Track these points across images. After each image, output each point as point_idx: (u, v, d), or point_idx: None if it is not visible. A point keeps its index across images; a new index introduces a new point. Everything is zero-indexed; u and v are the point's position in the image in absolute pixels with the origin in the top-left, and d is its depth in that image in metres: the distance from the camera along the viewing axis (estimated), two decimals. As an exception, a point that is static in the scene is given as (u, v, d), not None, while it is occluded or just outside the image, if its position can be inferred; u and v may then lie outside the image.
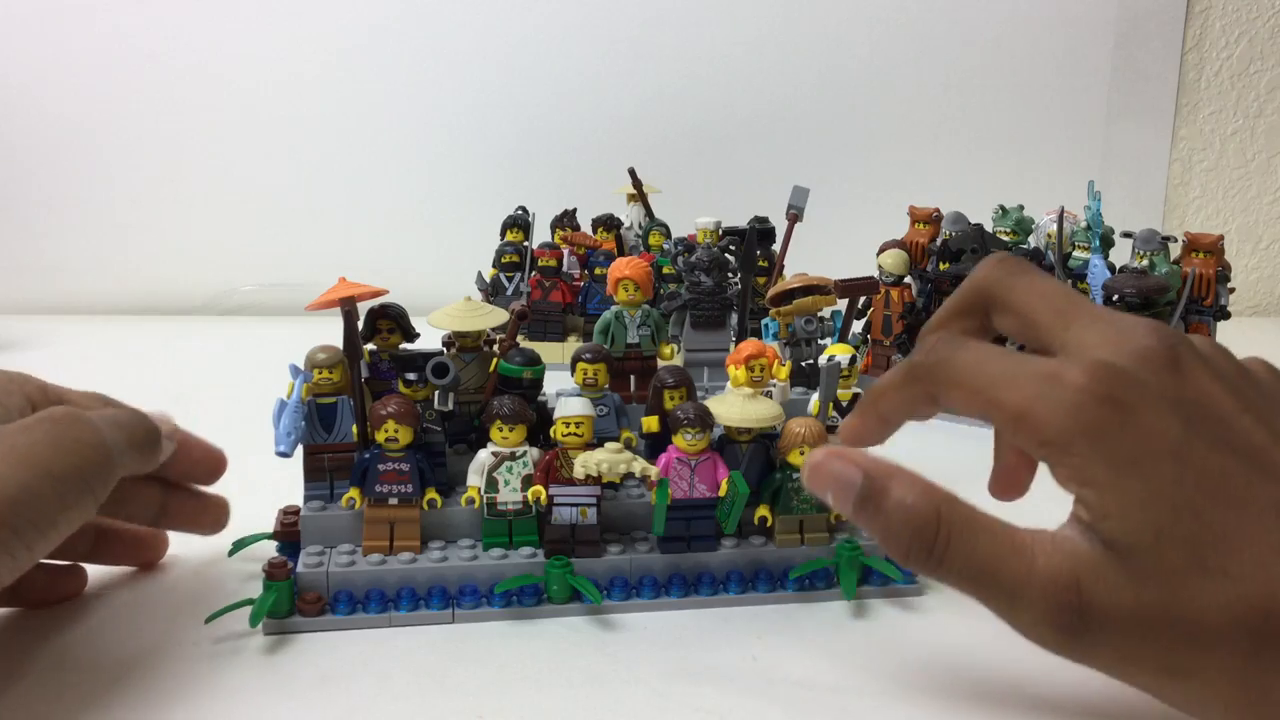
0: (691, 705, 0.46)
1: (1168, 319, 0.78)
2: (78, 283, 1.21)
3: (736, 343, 0.69)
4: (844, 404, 0.61)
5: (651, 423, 0.57)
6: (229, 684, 0.48)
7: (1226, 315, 0.83)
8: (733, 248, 0.84)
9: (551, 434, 0.55)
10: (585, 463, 0.53)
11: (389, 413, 0.53)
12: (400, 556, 0.54)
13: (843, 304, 0.70)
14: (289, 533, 0.56)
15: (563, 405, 0.55)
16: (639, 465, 0.54)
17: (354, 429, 0.55)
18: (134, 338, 1.12)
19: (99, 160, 1.20)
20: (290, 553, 0.56)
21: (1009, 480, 0.49)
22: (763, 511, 0.56)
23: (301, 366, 0.57)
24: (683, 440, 0.54)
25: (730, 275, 0.79)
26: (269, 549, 0.57)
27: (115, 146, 1.19)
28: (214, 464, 0.57)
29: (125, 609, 0.54)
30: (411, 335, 0.60)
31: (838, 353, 0.61)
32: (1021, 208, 0.89)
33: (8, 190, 1.19)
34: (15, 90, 1.17)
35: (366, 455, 0.54)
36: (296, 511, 0.56)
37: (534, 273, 0.98)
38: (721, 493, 0.55)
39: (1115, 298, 0.78)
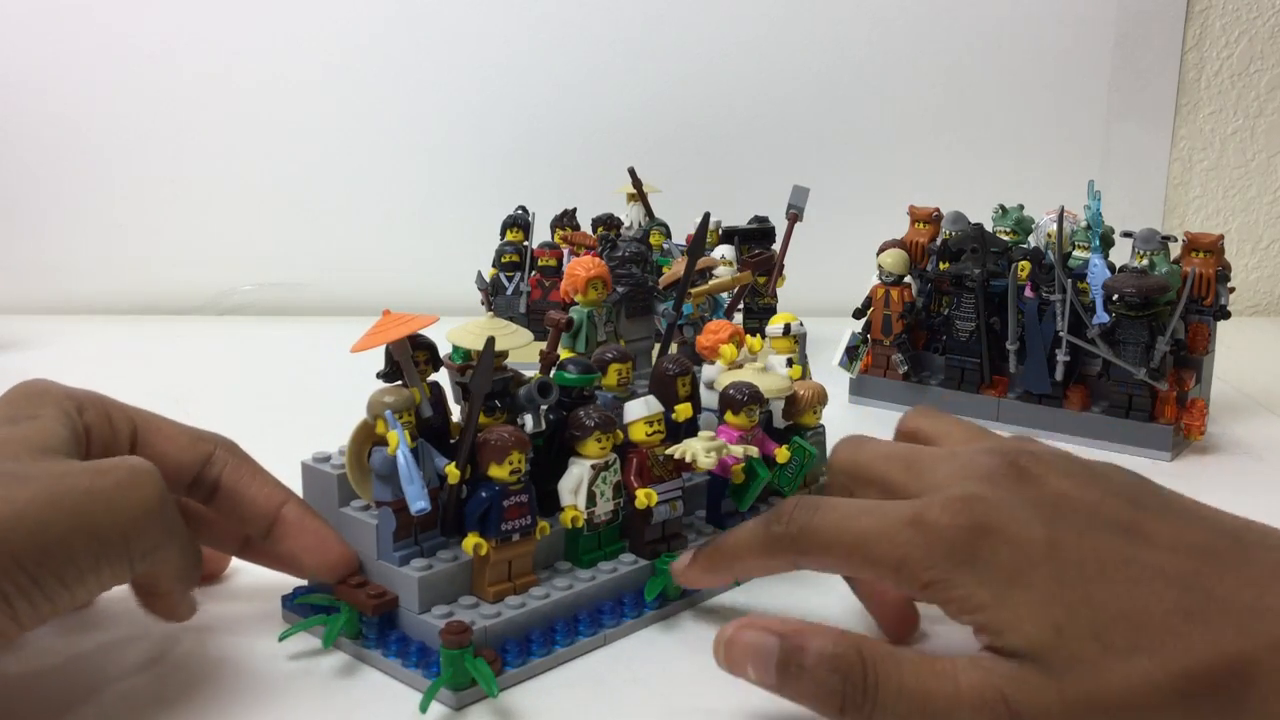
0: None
1: (1168, 319, 0.78)
2: (78, 283, 1.21)
3: (659, 332, 0.74)
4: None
5: (685, 409, 0.57)
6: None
7: (1226, 315, 0.83)
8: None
9: (629, 437, 0.55)
10: (687, 451, 0.54)
11: (514, 443, 0.49)
12: (534, 592, 0.51)
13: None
14: (384, 604, 0.49)
15: (634, 408, 0.55)
16: (739, 448, 0.56)
17: (448, 470, 0.49)
18: (134, 338, 1.12)
19: (99, 160, 1.20)
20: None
21: (899, 619, 0.51)
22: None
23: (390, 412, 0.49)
24: (744, 418, 0.57)
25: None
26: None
27: (115, 146, 1.19)
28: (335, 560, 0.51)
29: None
30: (439, 364, 0.55)
31: (781, 320, 0.68)
32: (1021, 207, 0.89)
33: (8, 190, 1.19)
34: (15, 90, 1.17)
35: (484, 495, 0.49)
36: (375, 589, 0.50)
37: (534, 272, 0.99)
38: (782, 459, 0.58)
39: (1115, 297, 0.78)
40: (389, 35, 1.20)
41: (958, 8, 1.21)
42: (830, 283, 0.99)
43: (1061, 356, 0.81)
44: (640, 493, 0.54)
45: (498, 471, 0.49)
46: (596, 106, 1.21)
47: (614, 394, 0.58)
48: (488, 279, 1.00)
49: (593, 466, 0.53)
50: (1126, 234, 0.83)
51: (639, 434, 0.54)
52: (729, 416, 0.58)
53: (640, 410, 0.55)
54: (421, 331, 0.51)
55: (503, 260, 0.99)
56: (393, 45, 1.20)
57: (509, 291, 0.99)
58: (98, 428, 0.48)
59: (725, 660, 0.43)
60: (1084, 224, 0.83)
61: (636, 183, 1.05)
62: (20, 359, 1.03)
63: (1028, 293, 0.83)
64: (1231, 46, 1.24)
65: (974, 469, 0.43)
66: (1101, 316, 0.79)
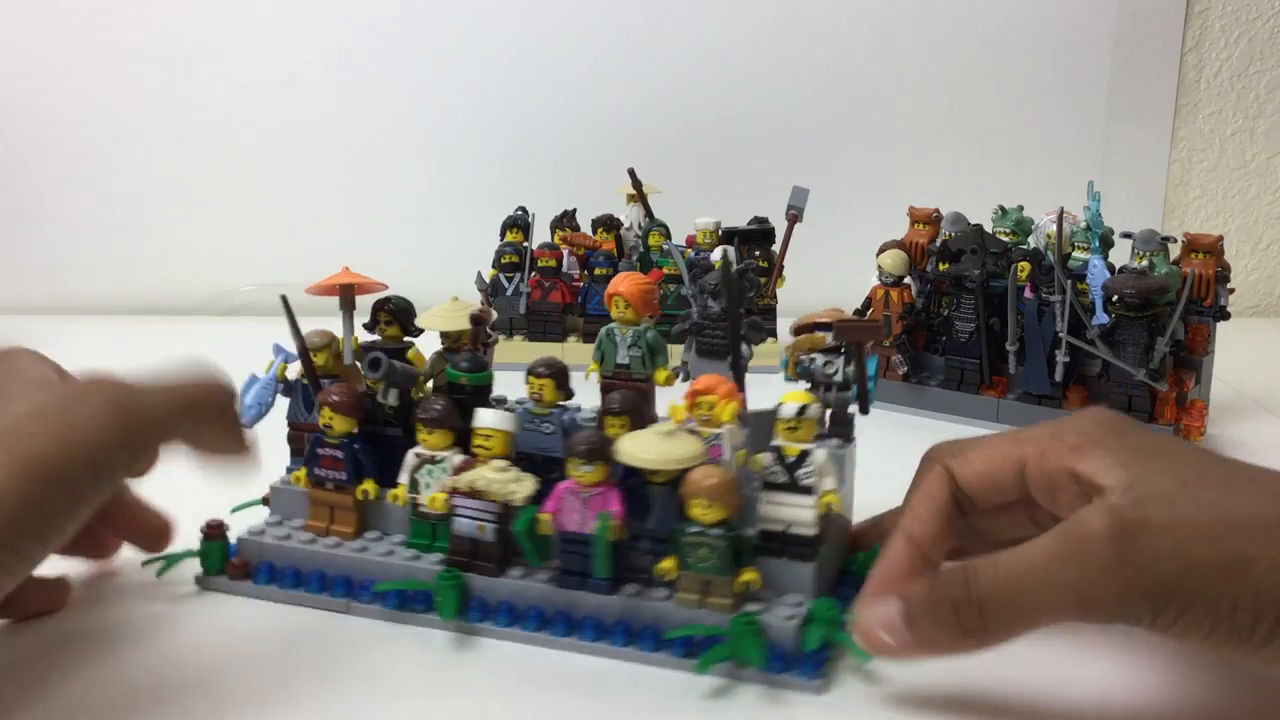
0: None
1: (1167, 319, 0.78)
2: (78, 283, 1.21)
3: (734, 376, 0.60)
4: (790, 459, 0.52)
5: None
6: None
7: (1226, 316, 0.83)
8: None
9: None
10: (470, 478, 0.52)
11: (327, 400, 0.56)
12: (326, 540, 0.56)
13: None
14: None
15: (477, 416, 0.54)
16: (521, 491, 0.51)
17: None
18: (134, 338, 1.12)
19: (99, 160, 1.20)
20: None
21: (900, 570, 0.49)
22: (666, 564, 0.50)
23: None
24: (573, 470, 0.51)
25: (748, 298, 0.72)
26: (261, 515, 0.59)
27: (115, 146, 1.19)
28: (157, 534, 0.57)
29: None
30: (410, 330, 0.60)
31: (793, 400, 0.52)
32: (1021, 208, 0.89)
33: (8, 190, 1.19)
34: (15, 90, 1.17)
35: (313, 438, 0.57)
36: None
37: (534, 273, 0.99)
38: (590, 531, 0.51)
39: (1115, 298, 0.78)
40: (389, 35, 1.20)
41: (957, 8, 1.21)
42: (830, 283, 0.99)
43: (1061, 357, 0.81)
44: (431, 495, 0.54)
45: (321, 421, 0.56)
46: (596, 107, 1.21)
47: (528, 408, 0.56)
48: (487, 280, 1.00)
49: (416, 455, 0.55)
50: (1126, 235, 0.83)
51: (474, 441, 0.53)
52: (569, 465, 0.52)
53: (476, 419, 0.54)
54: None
55: (502, 261, 0.99)
56: (393, 46, 1.20)
57: (509, 292, 0.99)
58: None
59: (867, 642, 0.46)
60: (1084, 225, 0.83)
61: (636, 183, 1.05)
62: (20, 359, 1.03)
63: (1027, 293, 0.83)
64: (1231, 47, 1.24)
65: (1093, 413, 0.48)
66: (1101, 317, 0.79)
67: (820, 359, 0.58)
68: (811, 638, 0.48)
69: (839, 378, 0.58)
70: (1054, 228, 0.82)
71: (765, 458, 0.52)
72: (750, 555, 0.51)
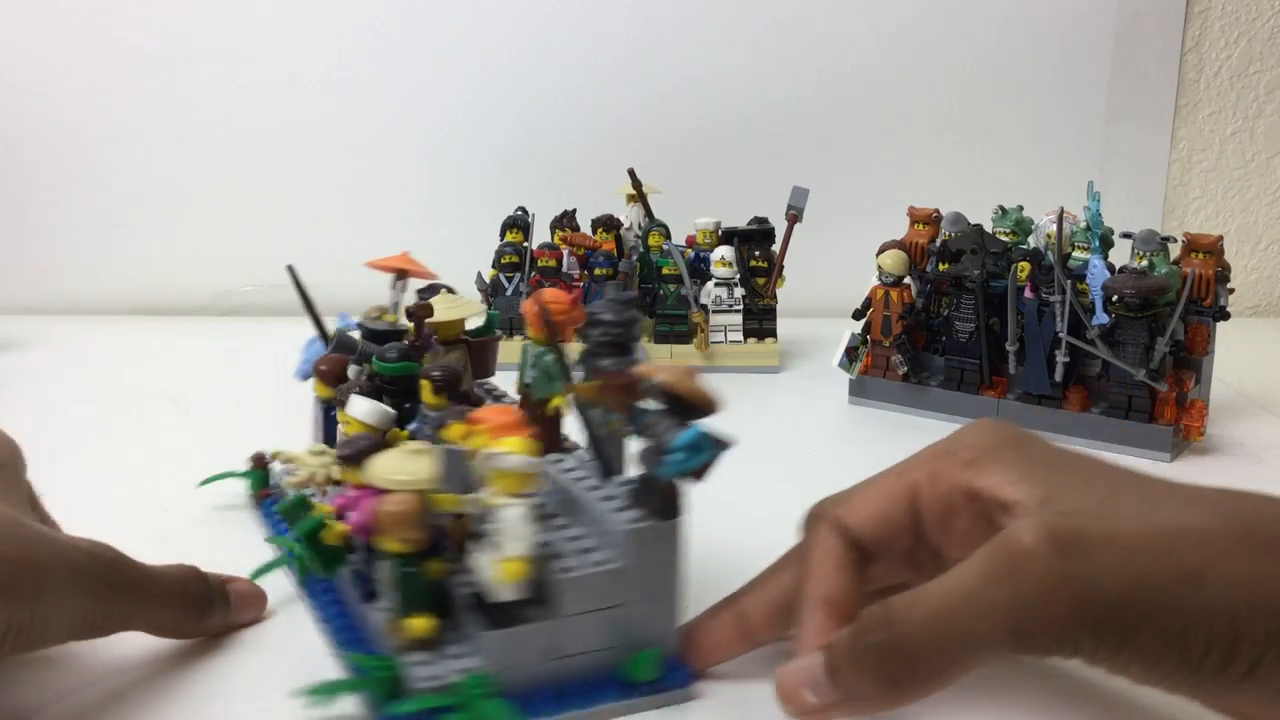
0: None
1: (1167, 319, 0.78)
2: (78, 283, 1.21)
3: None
4: (486, 510, 0.45)
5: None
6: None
7: (1226, 316, 0.83)
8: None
9: None
10: (289, 453, 0.57)
11: (316, 369, 0.62)
12: None
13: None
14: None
15: (350, 401, 0.53)
16: (300, 475, 0.56)
17: None
18: (134, 338, 1.12)
19: (98, 160, 1.20)
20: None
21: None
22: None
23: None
24: (341, 473, 0.51)
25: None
26: None
27: (114, 146, 1.19)
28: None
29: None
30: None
31: (509, 445, 0.44)
32: (1021, 208, 0.89)
33: (7, 190, 1.19)
34: (15, 90, 1.17)
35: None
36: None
37: (533, 273, 0.99)
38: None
39: (1115, 298, 0.78)
40: (389, 36, 1.20)
41: (957, 9, 1.21)
42: (830, 283, 0.99)
43: (1061, 357, 0.81)
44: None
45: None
46: (596, 107, 1.21)
47: (433, 411, 0.54)
48: (487, 280, 1.00)
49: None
50: (1126, 235, 0.83)
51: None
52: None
53: (349, 404, 0.53)
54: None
55: (502, 261, 0.99)
56: (393, 46, 1.20)
57: (509, 292, 0.99)
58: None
59: (790, 705, 0.41)
60: (1083, 225, 0.83)
61: (636, 184, 1.05)
62: (20, 359, 1.03)
63: (1027, 293, 0.83)
64: (1231, 48, 1.24)
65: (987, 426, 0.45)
66: (1101, 317, 0.79)
67: (600, 410, 0.50)
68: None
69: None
70: (1054, 228, 0.82)
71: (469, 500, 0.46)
72: (420, 600, 0.46)
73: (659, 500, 0.46)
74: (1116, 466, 0.42)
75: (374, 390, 0.55)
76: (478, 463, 0.44)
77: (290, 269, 0.61)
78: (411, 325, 0.60)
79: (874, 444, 0.84)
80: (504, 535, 0.43)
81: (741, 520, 0.67)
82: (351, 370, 0.58)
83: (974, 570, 0.37)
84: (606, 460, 0.49)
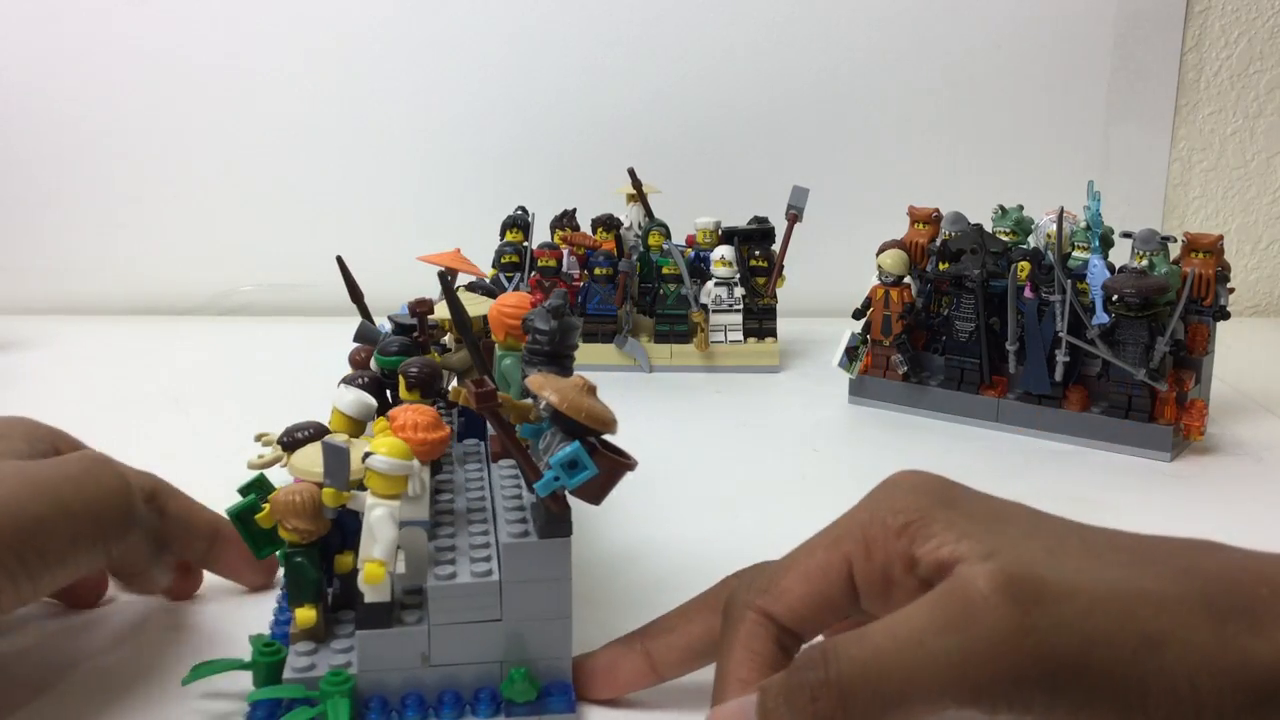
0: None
1: (1167, 319, 0.78)
2: (78, 283, 1.21)
3: None
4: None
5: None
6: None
7: (1226, 315, 0.83)
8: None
9: None
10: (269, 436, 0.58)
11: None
12: None
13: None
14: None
15: (337, 392, 0.53)
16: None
17: None
18: (134, 338, 1.12)
19: (99, 160, 1.20)
20: None
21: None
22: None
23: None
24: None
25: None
26: None
27: (115, 146, 1.19)
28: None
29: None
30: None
31: (379, 445, 0.44)
32: (1021, 208, 0.89)
33: (8, 190, 1.19)
34: (15, 90, 1.17)
35: None
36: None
37: (534, 273, 0.99)
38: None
39: (1115, 298, 0.78)
40: (389, 35, 1.20)
41: (957, 8, 1.21)
42: (830, 283, 0.99)
43: (1061, 357, 0.81)
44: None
45: None
46: (596, 107, 1.21)
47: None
48: (488, 279, 1.00)
49: None
50: (1126, 234, 0.83)
51: None
52: None
53: (336, 394, 0.52)
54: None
55: (502, 261, 0.99)
56: (392, 45, 1.20)
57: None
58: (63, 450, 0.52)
59: None
60: (1083, 224, 0.83)
61: (636, 183, 1.05)
62: (20, 359, 1.03)
63: (1027, 293, 0.83)
64: (1231, 47, 1.24)
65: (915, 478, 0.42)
66: (1101, 317, 0.79)
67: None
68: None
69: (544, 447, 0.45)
70: (1054, 228, 0.82)
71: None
72: (307, 591, 0.46)
73: (543, 518, 0.45)
74: (1055, 517, 0.40)
75: (375, 383, 0.55)
76: (358, 461, 0.44)
77: (339, 259, 0.64)
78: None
79: (874, 444, 0.84)
80: (367, 536, 0.43)
81: (741, 520, 0.68)
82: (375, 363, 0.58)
83: (922, 613, 0.35)
84: (532, 470, 0.46)
